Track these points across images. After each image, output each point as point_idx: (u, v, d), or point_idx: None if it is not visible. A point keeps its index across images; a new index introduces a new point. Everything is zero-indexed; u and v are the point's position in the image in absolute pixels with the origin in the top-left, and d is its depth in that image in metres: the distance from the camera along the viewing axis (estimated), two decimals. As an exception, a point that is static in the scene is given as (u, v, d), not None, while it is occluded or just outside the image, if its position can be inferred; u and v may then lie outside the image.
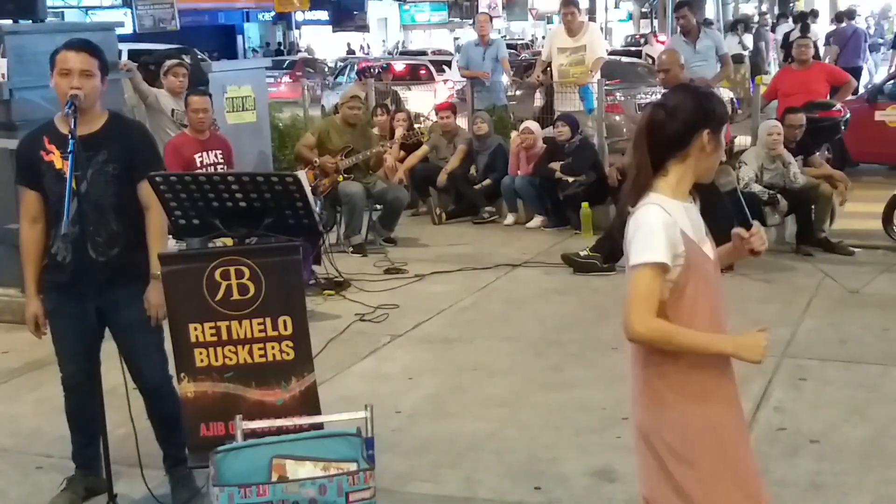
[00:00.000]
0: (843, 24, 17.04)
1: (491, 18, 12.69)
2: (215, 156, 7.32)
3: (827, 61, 14.06)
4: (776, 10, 29.31)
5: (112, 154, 3.87)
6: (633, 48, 26.30)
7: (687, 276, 2.66)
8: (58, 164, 3.80)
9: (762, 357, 2.65)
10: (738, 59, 15.70)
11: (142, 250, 3.94)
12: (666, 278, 2.64)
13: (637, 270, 2.63)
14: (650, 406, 2.75)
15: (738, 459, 2.75)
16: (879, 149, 11.63)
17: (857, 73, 14.36)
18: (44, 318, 3.98)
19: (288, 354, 3.91)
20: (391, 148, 9.76)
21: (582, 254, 7.87)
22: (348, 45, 42.00)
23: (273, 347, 3.90)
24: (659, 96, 3.23)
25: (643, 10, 41.28)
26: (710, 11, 24.85)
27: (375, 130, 10.20)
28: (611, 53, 20.76)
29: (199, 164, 7.15)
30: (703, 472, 2.69)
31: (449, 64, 22.62)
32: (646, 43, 25.91)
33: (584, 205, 9.08)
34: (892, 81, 12.47)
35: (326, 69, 29.70)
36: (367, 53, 38.72)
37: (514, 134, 10.14)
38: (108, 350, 3.99)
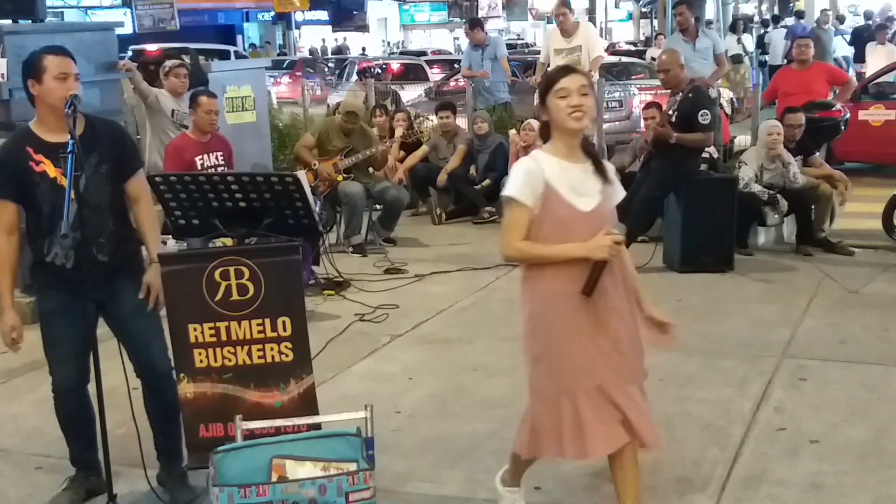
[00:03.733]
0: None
1: (481, 24, 12.63)
2: (216, 158, 7.30)
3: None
4: (776, 10, 29.28)
5: (102, 155, 3.87)
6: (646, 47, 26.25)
7: (542, 216, 3.27)
8: (51, 172, 3.78)
9: (608, 254, 3.20)
10: (737, 59, 15.66)
11: (133, 242, 3.99)
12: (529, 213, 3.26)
13: (505, 203, 3.31)
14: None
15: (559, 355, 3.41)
16: (863, 148, 11.74)
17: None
18: (21, 332, 3.89)
19: (287, 356, 3.90)
20: (390, 147, 9.76)
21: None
22: (340, 49, 42.01)
23: (272, 349, 3.90)
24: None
25: (643, 10, 41.26)
26: (710, 12, 24.81)
27: (375, 131, 10.20)
28: (612, 53, 20.76)
29: (199, 167, 7.12)
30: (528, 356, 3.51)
31: (458, 62, 22.78)
32: (648, 45, 25.87)
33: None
34: (874, 82, 12.53)
35: (326, 69, 29.65)
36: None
37: (512, 132, 10.13)
38: (108, 350, 3.98)
